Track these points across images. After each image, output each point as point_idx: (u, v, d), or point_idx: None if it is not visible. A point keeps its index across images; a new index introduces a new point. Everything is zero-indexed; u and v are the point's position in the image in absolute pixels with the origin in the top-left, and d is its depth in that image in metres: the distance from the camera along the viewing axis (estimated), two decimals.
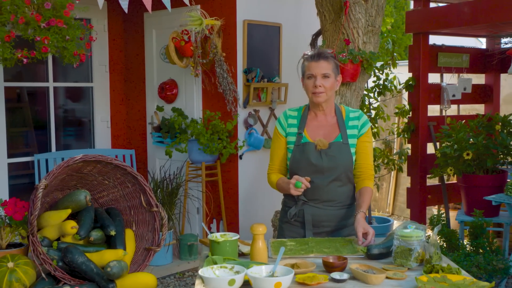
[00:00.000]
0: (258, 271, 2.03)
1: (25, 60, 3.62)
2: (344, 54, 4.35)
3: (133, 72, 6.29)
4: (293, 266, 2.24)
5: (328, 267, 2.22)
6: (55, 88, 5.84)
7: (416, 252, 2.26)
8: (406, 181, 7.29)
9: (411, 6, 9.11)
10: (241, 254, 2.47)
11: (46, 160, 5.53)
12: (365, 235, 2.58)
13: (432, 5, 5.75)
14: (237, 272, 2.03)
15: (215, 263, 2.17)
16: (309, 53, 2.82)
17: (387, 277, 2.13)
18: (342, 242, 2.66)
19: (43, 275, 2.24)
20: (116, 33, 6.27)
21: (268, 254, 2.38)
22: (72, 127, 6.38)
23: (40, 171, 5.45)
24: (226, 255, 2.30)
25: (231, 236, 2.37)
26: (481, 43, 9.34)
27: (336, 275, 2.13)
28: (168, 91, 5.76)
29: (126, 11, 4.01)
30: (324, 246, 2.59)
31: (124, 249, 2.43)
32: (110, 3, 5.79)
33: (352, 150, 2.83)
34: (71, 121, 6.38)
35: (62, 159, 5.64)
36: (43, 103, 5.91)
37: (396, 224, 6.98)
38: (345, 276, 2.12)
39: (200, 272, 2.02)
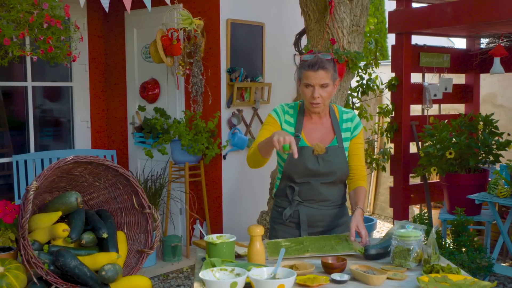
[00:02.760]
0: (260, 273, 2.00)
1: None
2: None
3: (114, 72, 6.20)
4: (291, 267, 2.21)
5: (328, 268, 2.20)
6: (33, 88, 5.72)
7: (415, 252, 2.25)
8: (386, 180, 7.34)
9: (385, 6, 9.17)
10: (237, 256, 2.43)
11: (25, 161, 5.41)
12: (358, 234, 2.58)
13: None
14: (238, 275, 2.00)
15: (214, 265, 2.13)
16: (307, 60, 2.71)
17: (387, 278, 2.12)
18: (336, 239, 2.65)
19: (35, 279, 2.17)
20: (96, 31, 6.17)
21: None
22: (51, 127, 6.27)
23: (18, 172, 5.34)
24: (223, 257, 2.26)
25: (228, 238, 2.33)
26: (453, 43, 9.46)
27: (336, 276, 2.11)
28: (150, 90, 5.69)
29: (107, 10, 3.95)
30: (319, 244, 2.57)
31: (117, 251, 2.38)
32: (90, 1, 5.70)
33: (346, 153, 2.82)
34: (49, 121, 6.26)
35: (41, 160, 5.53)
36: (20, 102, 5.78)
37: (379, 223, 7.02)
38: (345, 277, 2.10)
39: (200, 275, 1.98)
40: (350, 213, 2.86)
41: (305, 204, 2.79)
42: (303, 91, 2.72)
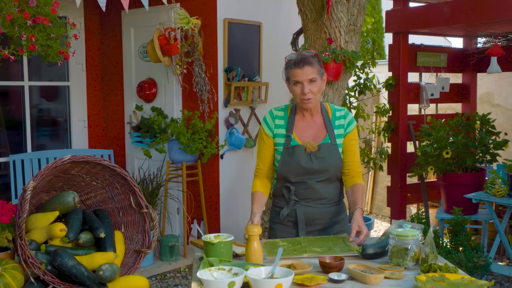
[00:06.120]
0: (257, 273, 2.00)
1: (12, 57, 3.51)
2: (327, 53, 4.34)
3: (111, 71, 6.18)
4: (289, 266, 2.21)
5: (325, 268, 2.20)
6: (30, 87, 5.71)
7: (412, 251, 2.25)
8: (383, 179, 7.34)
9: (382, 6, 9.18)
10: (235, 255, 2.43)
11: (22, 161, 5.40)
12: (358, 233, 2.58)
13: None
14: (236, 274, 2.00)
15: (212, 265, 2.13)
16: (292, 59, 2.76)
17: (385, 277, 2.12)
18: (334, 240, 2.65)
19: (32, 279, 2.16)
20: (93, 31, 6.16)
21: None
22: (48, 127, 6.25)
23: (15, 172, 5.32)
24: (220, 257, 2.26)
25: (225, 237, 2.33)
26: (450, 42, 9.47)
27: (334, 275, 2.11)
28: (147, 90, 5.68)
29: (103, 9, 3.93)
30: (317, 245, 2.57)
31: (114, 251, 2.37)
32: (86, 0, 5.69)
33: (340, 150, 2.83)
34: (46, 121, 6.25)
35: (38, 159, 5.52)
36: (17, 102, 5.76)
37: (376, 222, 7.03)
38: (343, 276, 2.10)
39: (198, 274, 1.98)
40: (348, 211, 2.87)
41: (302, 203, 2.81)
42: (293, 90, 2.77)
